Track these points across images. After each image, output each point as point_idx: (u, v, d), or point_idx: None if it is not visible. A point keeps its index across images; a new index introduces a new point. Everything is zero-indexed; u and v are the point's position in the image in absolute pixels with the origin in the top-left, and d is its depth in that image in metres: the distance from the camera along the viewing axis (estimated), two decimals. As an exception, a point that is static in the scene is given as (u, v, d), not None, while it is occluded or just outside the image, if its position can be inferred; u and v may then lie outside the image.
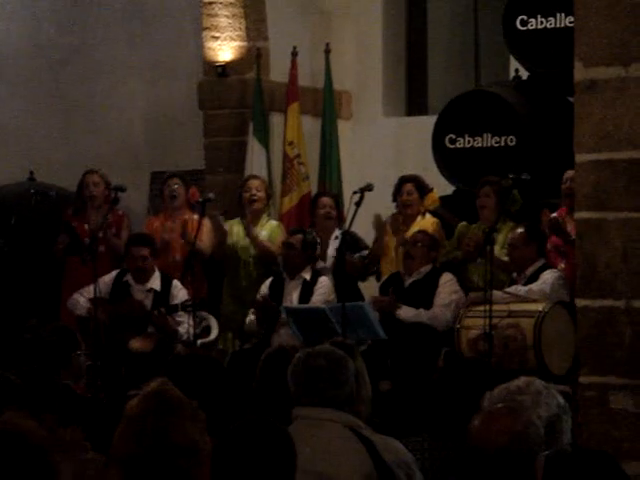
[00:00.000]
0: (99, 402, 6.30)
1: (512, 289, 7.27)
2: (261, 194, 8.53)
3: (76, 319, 7.80)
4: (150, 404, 2.91)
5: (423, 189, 8.25)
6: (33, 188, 9.49)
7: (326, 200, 8.47)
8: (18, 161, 10.42)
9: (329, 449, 3.60)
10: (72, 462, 3.61)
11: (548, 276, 7.26)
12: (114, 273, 8.00)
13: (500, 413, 2.99)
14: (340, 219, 8.43)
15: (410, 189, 8.19)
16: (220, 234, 8.49)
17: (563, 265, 7.41)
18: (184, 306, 7.66)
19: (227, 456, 2.85)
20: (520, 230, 7.44)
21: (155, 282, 7.92)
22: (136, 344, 7.58)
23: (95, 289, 7.54)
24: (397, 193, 8.25)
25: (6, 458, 2.45)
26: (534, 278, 7.29)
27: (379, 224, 8.29)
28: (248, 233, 8.38)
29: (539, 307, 7.01)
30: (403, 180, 8.26)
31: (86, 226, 8.61)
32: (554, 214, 7.59)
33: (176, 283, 7.94)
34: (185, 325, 7.74)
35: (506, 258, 7.54)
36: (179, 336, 7.73)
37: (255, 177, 8.74)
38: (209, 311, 8.26)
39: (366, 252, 8.23)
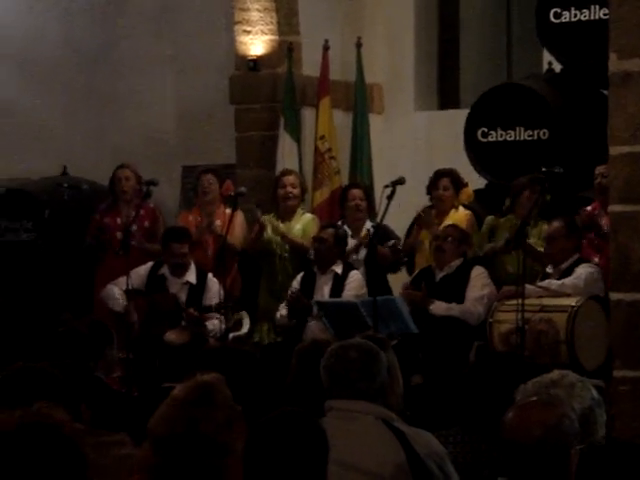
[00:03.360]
0: (132, 395, 6.33)
1: (545, 283, 7.23)
2: (296, 190, 8.50)
3: (109, 312, 7.83)
4: (193, 392, 2.94)
5: (458, 184, 8.21)
6: (66, 182, 9.55)
7: (356, 192, 8.44)
8: (51, 156, 10.48)
9: (361, 441, 3.60)
10: (108, 457, 3.62)
11: (582, 270, 7.20)
12: (149, 265, 8.02)
13: (534, 406, 2.98)
14: (371, 210, 8.39)
15: (446, 184, 8.15)
16: (258, 229, 8.45)
17: (597, 259, 7.36)
18: (218, 308, 7.66)
19: (259, 448, 2.86)
20: (559, 223, 7.36)
21: (191, 276, 7.94)
22: (172, 336, 7.63)
23: (127, 282, 7.57)
24: (432, 187, 8.21)
25: (38, 450, 2.45)
26: (568, 272, 7.24)
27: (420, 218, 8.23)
28: (276, 231, 8.37)
29: (572, 302, 6.96)
30: (439, 174, 8.21)
31: (118, 220, 8.65)
32: (587, 208, 7.55)
33: (211, 277, 7.97)
34: (214, 321, 7.76)
35: (542, 249, 7.50)
36: (207, 331, 7.74)
37: (290, 172, 8.71)
38: (244, 304, 8.26)
39: (393, 241, 8.19)
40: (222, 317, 7.66)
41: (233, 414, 3.00)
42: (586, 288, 7.10)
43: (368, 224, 8.24)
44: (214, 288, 7.85)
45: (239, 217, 8.43)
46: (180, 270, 7.90)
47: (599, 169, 7.29)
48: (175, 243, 7.89)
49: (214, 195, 8.60)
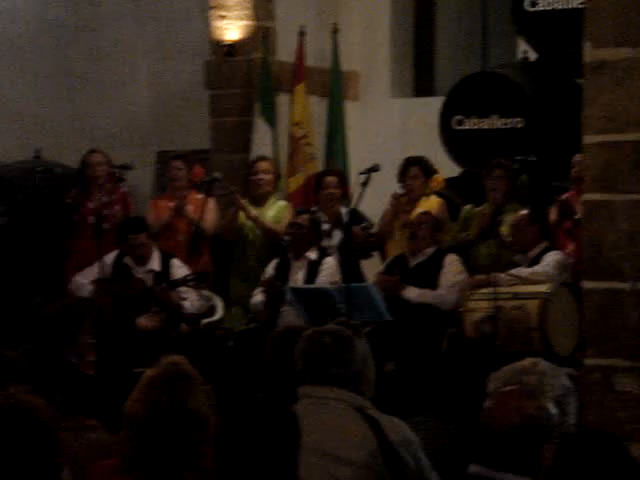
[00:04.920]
0: (105, 380, 6.31)
1: (515, 271, 7.27)
2: (268, 177, 8.50)
3: (79, 300, 7.81)
4: (168, 372, 2.96)
5: (428, 171, 8.22)
6: (39, 166, 9.50)
7: (330, 179, 8.44)
8: (24, 139, 10.42)
9: (334, 428, 3.60)
10: (79, 441, 3.62)
11: (551, 258, 7.26)
12: (113, 254, 8.01)
13: (514, 394, 2.98)
14: (346, 197, 8.38)
15: (415, 173, 8.16)
16: (234, 213, 8.43)
17: (572, 247, 7.40)
18: (185, 280, 7.67)
19: (231, 433, 2.86)
20: (523, 212, 7.44)
21: (154, 263, 7.93)
22: (144, 322, 7.61)
23: (102, 267, 7.56)
24: (402, 175, 8.23)
25: (13, 433, 2.44)
26: (537, 260, 7.29)
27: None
28: (248, 215, 8.36)
29: (543, 288, 7.01)
30: (408, 163, 8.23)
31: (90, 205, 8.62)
32: (563, 196, 7.59)
33: (175, 262, 7.96)
34: (192, 299, 7.77)
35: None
36: (184, 310, 7.75)
37: (262, 159, 8.70)
38: (216, 290, 8.26)
39: (366, 223, 8.21)
40: (195, 297, 7.64)
41: (206, 389, 3.03)
42: (556, 275, 7.16)
43: (342, 210, 8.25)
44: (179, 272, 7.84)
45: (211, 203, 8.41)
46: (141, 259, 7.90)
47: (577, 157, 7.31)
48: (131, 235, 7.87)
49: (183, 182, 8.59)
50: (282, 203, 8.63)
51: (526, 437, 2.87)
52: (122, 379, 5.45)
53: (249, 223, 8.44)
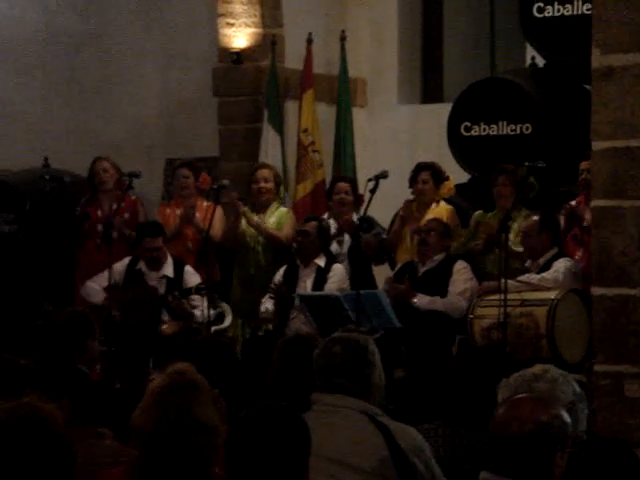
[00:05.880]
0: (114, 388, 6.32)
1: (525, 278, 7.25)
2: (269, 185, 8.47)
3: (89, 307, 7.81)
4: (175, 381, 2.96)
5: (439, 177, 8.21)
6: (47, 174, 9.51)
7: (342, 186, 8.43)
8: (33, 147, 10.44)
9: (345, 435, 3.60)
10: (89, 449, 3.62)
11: (561, 264, 7.24)
12: (126, 260, 8.02)
13: (529, 401, 2.97)
14: (358, 203, 8.37)
15: (426, 178, 8.15)
16: (237, 221, 8.44)
17: (580, 254, 7.39)
18: (198, 289, 7.69)
19: (241, 441, 2.85)
20: (534, 218, 7.42)
21: (168, 269, 7.94)
22: (168, 329, 7.63)
23: (110, 275, 7.57)
24: (413, 180, 8.23)
25: (28, 443, 2.44)
26: (547, 267, 7.27)
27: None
28: (250, 222, 8.36)
29: (551, 295, 6.99)
30: (419, 168, 8.23)
31: (99, 212, 8.63)
32: (571, 202, 7.58)
33: (188, 269, 7.97)
34: (201, 309, 7.78)
35: (520, 248, 7.51)
36: (195, 319, 7.76)
37: (264, 166, 8.67)
38: (221, 296, 8.27)
39: (378, 230, 8.21)
40: (205, 305, 7.65)
41: (213, 394, 3.03)
42: (565, 281, 7.14)
43: (354, 217, 8.24)
44: (192, 280, 7.85)
45: (219, 210, 8.41)
46: (156, 264, 7.91)
47: (585, 164, 7.31)
48: (147, 238, 7.88)
49: (191, 189, 8.59)
50: (283, 209, 8.62)
51: (539, 445, 2.86)
52: (133, 386, 5.46)
53: (250, 230, 8.43)
